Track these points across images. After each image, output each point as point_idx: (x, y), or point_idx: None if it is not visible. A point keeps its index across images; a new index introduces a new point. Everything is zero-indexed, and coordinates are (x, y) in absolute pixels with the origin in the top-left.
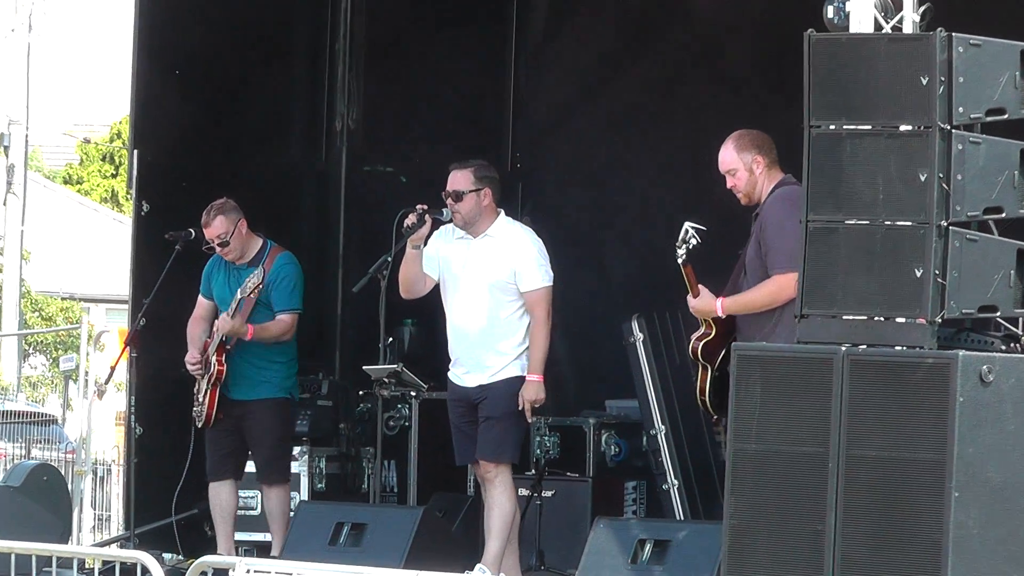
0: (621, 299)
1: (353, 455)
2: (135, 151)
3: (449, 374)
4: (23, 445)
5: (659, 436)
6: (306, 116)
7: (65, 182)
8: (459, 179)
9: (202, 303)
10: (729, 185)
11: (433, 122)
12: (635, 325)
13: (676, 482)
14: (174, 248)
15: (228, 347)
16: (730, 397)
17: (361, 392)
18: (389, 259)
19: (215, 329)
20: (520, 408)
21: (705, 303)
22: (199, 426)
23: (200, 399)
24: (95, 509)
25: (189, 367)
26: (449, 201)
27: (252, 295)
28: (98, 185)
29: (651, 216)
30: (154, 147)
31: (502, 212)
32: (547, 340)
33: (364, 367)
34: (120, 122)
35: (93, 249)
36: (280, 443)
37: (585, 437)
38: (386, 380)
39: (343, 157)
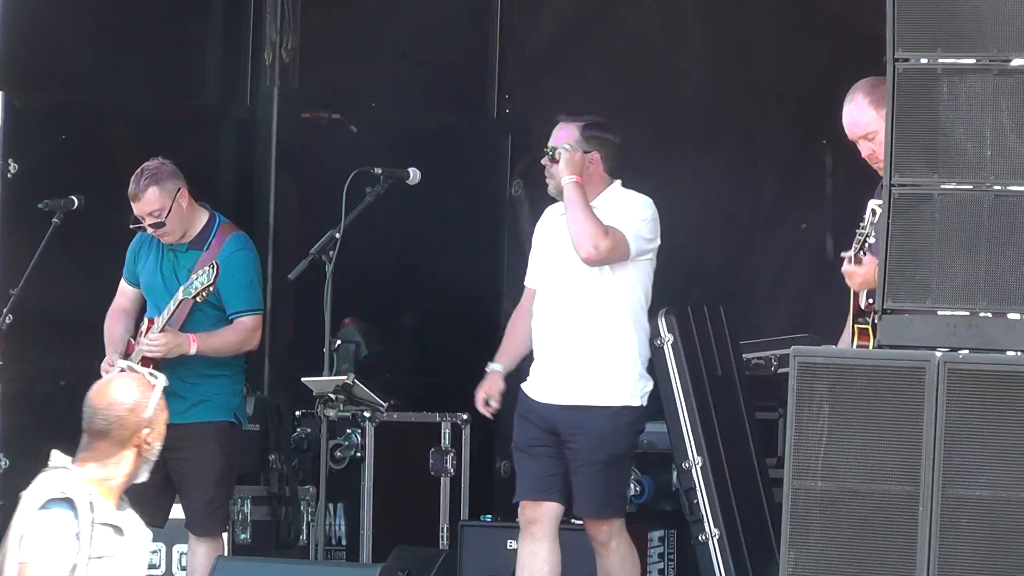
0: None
1: (287, 496)
2: (0, 93)
3: (523, 385)
4: None
5: (694, 470)
6: (224, 46)
7: None
8: (561, 133)
9: (125, 291)
10: (865, 154)
11: (395, 54)
12: (663, 323)
13: (716, 532)
14: (51, 221)
15: (159, 359)
16: (788, 420)
17: (298, 413)
18: (337, 236)
19: (140, 342)
20: (625, 452)
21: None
22: None
23: None
24: None
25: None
26: (546, 161)
27: (199, 298)
28: None
29: (682, 180)
30: (25, 87)
31: (617, 183)
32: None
33: (303, 379)
34: None
35: None
36: (220, 481)
37: None
38: (332, 396)
39: (274, 100)
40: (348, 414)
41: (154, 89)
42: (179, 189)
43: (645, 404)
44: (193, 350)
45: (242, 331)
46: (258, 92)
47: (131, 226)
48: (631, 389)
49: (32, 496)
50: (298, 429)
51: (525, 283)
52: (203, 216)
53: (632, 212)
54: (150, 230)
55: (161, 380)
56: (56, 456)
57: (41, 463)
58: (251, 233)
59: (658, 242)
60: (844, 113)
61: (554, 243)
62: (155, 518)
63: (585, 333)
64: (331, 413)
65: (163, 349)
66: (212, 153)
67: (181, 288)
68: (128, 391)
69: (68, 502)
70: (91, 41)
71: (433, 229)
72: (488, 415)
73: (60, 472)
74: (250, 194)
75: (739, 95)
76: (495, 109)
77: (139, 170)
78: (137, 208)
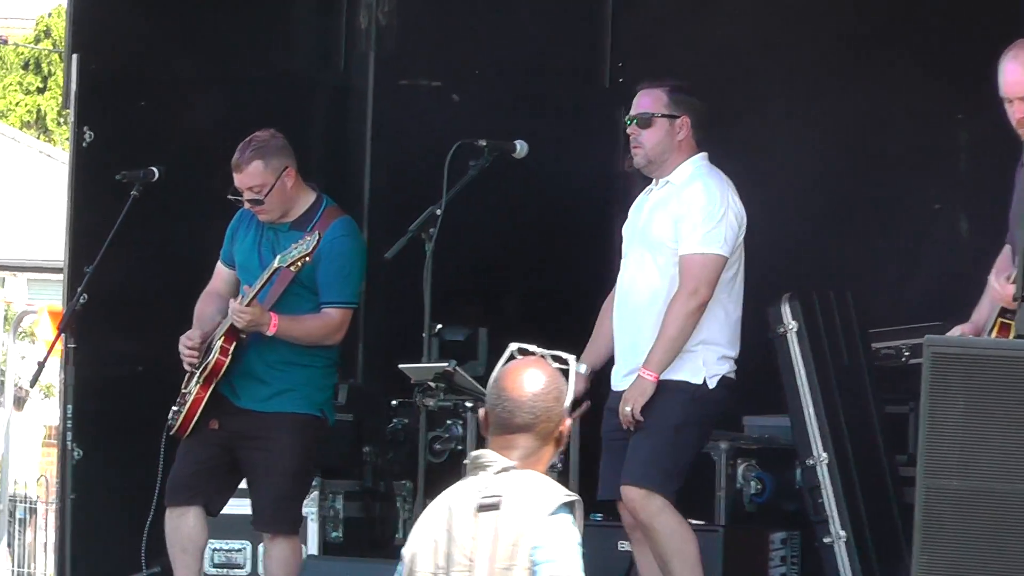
0: (766, 272)
1: (382, 492)
2: (74, 56)
3: (612, 375)
4: None
5: (819, 468)
6: (317, 9)
7: None
8: (646, 99)
9: (221, 273)
10: (1018, 116)
11: (500, 18)
12: (787, 309)
13: (843, 533)
14: (129, 194)
15: (243, 336)
16: (920, 414)
17: (395, 402)
18: (438, 212)
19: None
20: (678, 424)
21: None
22: (171, 433)
23: (184, 397)
24: (14, 565)
25: (183, 353)
26: (631, 130)
27: (293, 267)
28: (18, 103)
29: (805, 156)
30: (101, 50)
31: (701, 155)
32: (682, 324)
33: (400, 366)
34: (50, 15)
35: (11, 195)
36: (296, 478)
37: (714, 469)
38: (432, 385)
39: (370, 66)
40: (448, 404)
41: (241, 54)
42: (286, 167)
43: (712, 387)
44: (270, 331)
45: (327, 322)
46: (353, 58)
47: (229, 196)
48: (691, 366)
49: (521, 501)
50: (394, 420)
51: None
52: (309, 197)
53: (699, 200)
54: (247, 205)
55: (572, 361)
56: (491, 455)
57: (116, 454)
58: (345, 209)
59: (743, 231)
60: (1006, 71)
61: (632, 222)
62: (211, 505)
63: (646, 314)
64: (430, 402)
65: (243, 320)
66: (303, 123)
67: (277, 257)
68: (547, 380)
69: (568, 507)
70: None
71: (540, 205)
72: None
73: (523, 474)
74: (343, 167)
75: (863, 65)
76: (607, 78)
77: (247, 140)
78: (238, 180)
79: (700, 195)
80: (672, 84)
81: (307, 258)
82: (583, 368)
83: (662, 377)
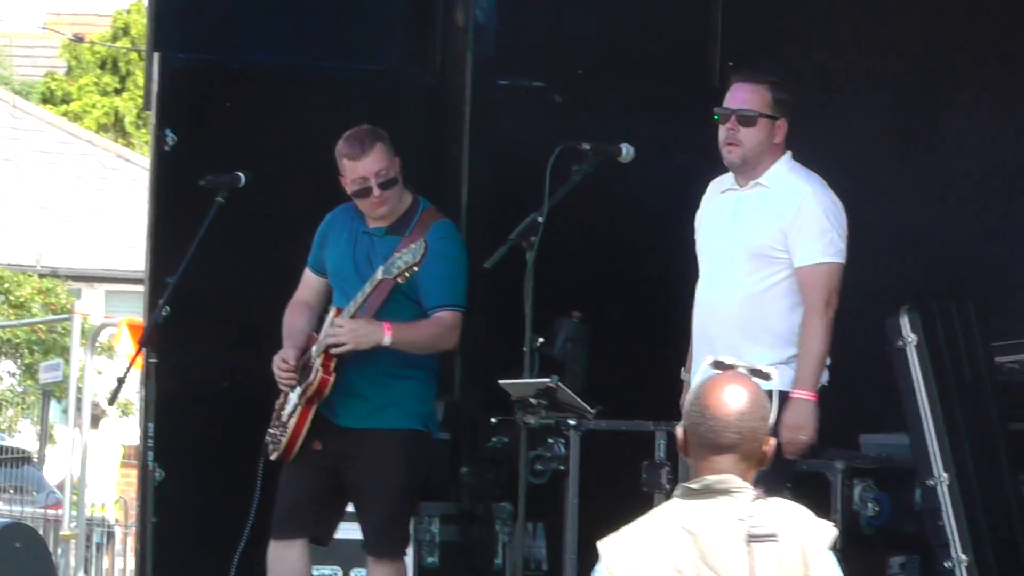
0: (884, 282)
1: (481, 515)
2: (156, 54)
3: (685, 377)
4: None
5: (940, 488)
6: (412, 5)
7: (44, 100)
8: (748, 95)
9: (309, 281)
10: None
11: (605, 16)
12: (905, 322)
13: (964, 558)
14: (215, 200)
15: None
16: None
17: (494, 420)
18: (540, 220)
19: (325, 333)
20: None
21: None
22: (272, 458)
23: (283, 419)
24: None
25: (278, 373)
26: (728, 126)
27: (399, 278)
28: (94, 105)
29: (915, 154)
30: (185, 48)
31: (788, 154)
32: (825, 340)
33: (500, 382)
34: (128, 11)
35: (87, 201)
36: (402, 498)
37: (829, 489)
38: (533, 401)
39: (467, 66)
40: (550, 421)
41: (333, 53)
42: (396, 157)
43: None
44: (387, 340)
45: (441, 326)
46: (450, 57)
47: (351, 193)
48: (786, 378)
49: (797, 533)
50: (493, 439)
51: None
52: (407, 198)
53: (813, 208)
54: (375, 193)
55: (773, 374)
56: (738, 480)
57: (200, 475)
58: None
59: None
60: None
61: (714, 224)
62: (321, 534)
63: (738, 321)
64: (531, 420)
65: (352, 336)
66: (397, 125)
67: (380, 268)
68: (752, 397)
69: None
70: None
71: (647, 212)
72: None
73: (780, 502)
74: (439, 172)
75: (984, 54)
76: (717, 78)
77: (353, 131)
78: (361, 168)
79: (813, 203)
80: (773, 81)
81: (415, 267)
82: (689, 376)
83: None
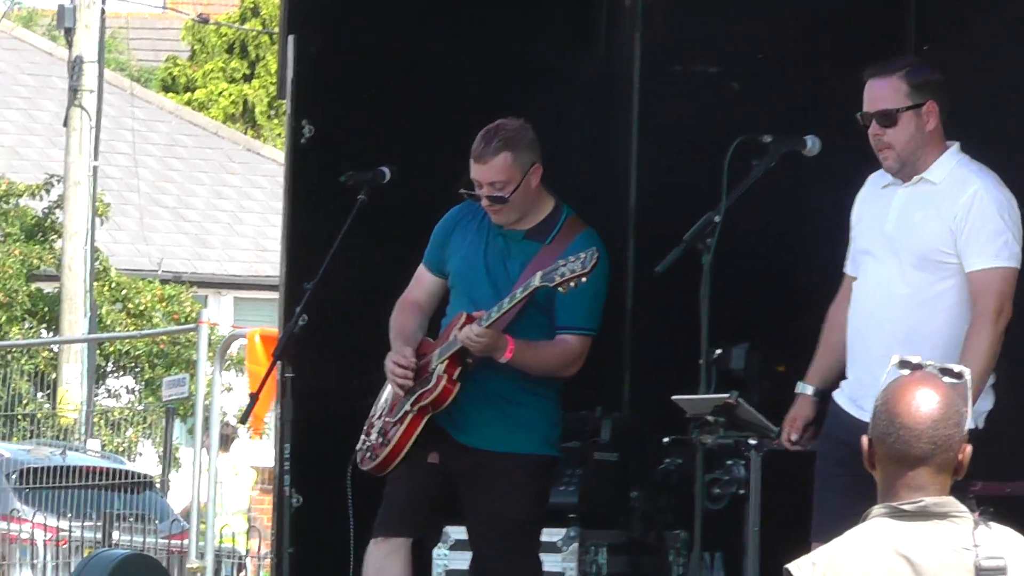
0: None
1: (652, 543)
2: (291, 37)
3: (835, 394)
4: (99, 524)
5: None
6: None
7: (166, 88)
8: (881, 91)
9: (423, 280)
10: None
11: None
12: None
13: None
14: (356, 198)
15: (470, 360)
16: None
17: (666, 440)
18: (717, 219)
19: (454, 334)
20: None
21: None
22: (366, 468)
23: (384, 426)
24: None
25: (395, 370)
26: (873, 131)
27: (562, 288)
28: (221, 93)
29: None
30: (323, 31)
31: (955, 146)
32: (991, 355)
33: (674, 398)
34: None
35: (213, 200)
36: (534, 531)
37: None
38: (710, 419)
39: (635, 49)
40: (730, 441)
41: (485, 36)
42: (534, 164)
43: (981, 427)
44: (505, 358)
45: (566, 352)
46: (616, 40)
47: (461, 190)
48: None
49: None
50: (666, 460)
51: (844, 270)
52: (548, 203)
53: (986, 207)
54: (485, 203)
55: (967, 374)
56: (956, 503)
57: (341, 501)
58: (607, 215)
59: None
60: None
61: (876, 223)
62: (429, 538)
63: (910, 333)
64: (708, 440)
65: (480, 345)
66: (557, 115)
67: (539, 274)
68: (946, 402)
69: None
70: None
71: (834, 209)
72: (790, 449)
73: (1000, 528)
74: (605, 166)
75: None
76: (912, 50)
77: (493, 127)
78: (478, 172)
79: (985, 201)
80: (909, 65)
81: (583, 279)
82: (809, 390)
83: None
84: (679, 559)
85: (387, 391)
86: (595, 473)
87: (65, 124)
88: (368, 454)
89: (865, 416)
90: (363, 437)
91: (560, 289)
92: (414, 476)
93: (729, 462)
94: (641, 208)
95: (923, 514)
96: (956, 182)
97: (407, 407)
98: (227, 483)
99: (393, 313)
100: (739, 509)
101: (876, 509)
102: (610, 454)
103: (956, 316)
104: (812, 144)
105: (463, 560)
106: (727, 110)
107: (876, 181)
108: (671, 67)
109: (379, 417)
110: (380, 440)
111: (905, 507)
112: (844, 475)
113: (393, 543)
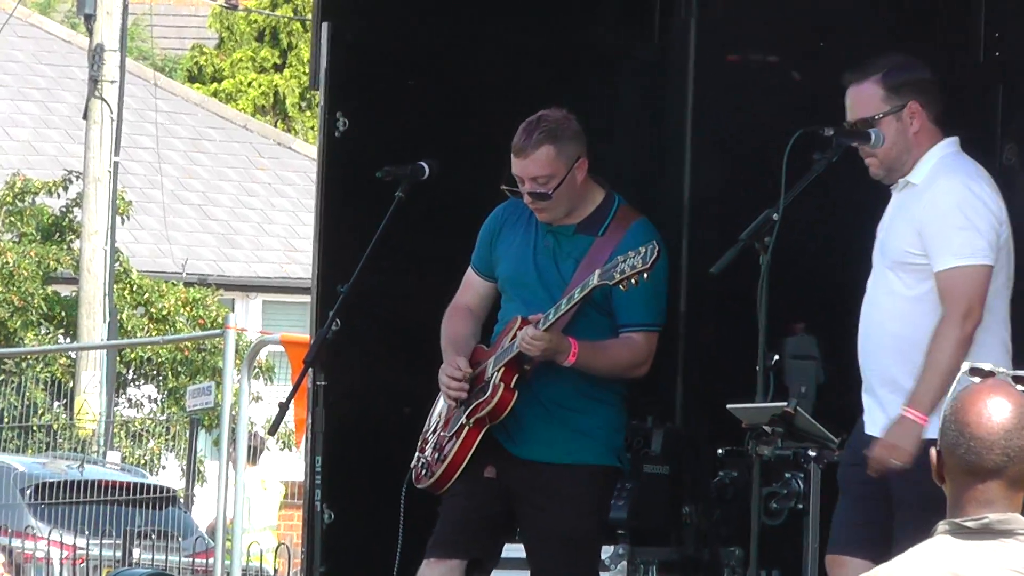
0: None
1: (707, 560)
2: (324, 24)
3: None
4: (119, 541)
5: None
6: None
7: (191, 79)
8: (857, 99)
9: (472, 283)
10: None
11: None
12: None
13: None
14: (394, 195)
15: (528, 367)
16: None
17: (721, 451)
18: (775, 217)
19: (512, 337)
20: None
21: None
22: (420, 486)
23: (440, 441)
24: None
25: (448, 382)
26: (860, 145)
27: (622, 285)
28: (250, 84)
29: None
30: (360, 17)
31: (946, 142)
32: (956, 357)
33: (730, 407)
34: None
35: (242, 197)
36: (590, 545)
37: None
38: (767, 429)
39: (690, 36)
40: (788, 453)
41: (532, 22)
42: (579, 158)
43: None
44: (569, 362)
45: (634, 350)
46: (670, 25)
47: (503, 186)
48: None
49: None
50: (721, 473)
51: None
52: (598, 194)
53: (947, 204)
54: (528, 199)
55: None
56: (1019, 520)
57: (376, 518)
58: (659, 211)
59: (1006, 228)
60: None
61: (880, 230)
62: (487, 559)
63: (890, 343)
64: (766, 451)
65: (539, 349)
66: (608, 104)
67: (597, 272)
68: (1017, 409)
69: None
70: None
71: None
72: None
73: None
74: (657, 159)
75: None
76: (981, 50)
77: (534, 118)
78: (520, 167)
79: (943, 195)
80: (883, 67)
81: (645, 274)
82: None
83: (928, 436)
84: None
85: (441, 403)
86: (645, 486)
87: (84, 117)
88: (424, 471)
89: (867, 425)
90: (417, 454)
91: (621, 287)
92: (470, 493)
93: (787, 475)
94: (695, 205)
95: (986, 532)
96: (929, 181)
97: (463, 420)
98: (255, 498)
99: (443, 321)
100: (797, 524)
101: (941, 525)
102: (661, 467)
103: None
104: (876, 138)
105: None
106: (786, 101)
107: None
108: (728, 56)
109: (433, 432)
110: (436, 456)
111: (968, 524)
112: (869, 487)
113: (447, 565)
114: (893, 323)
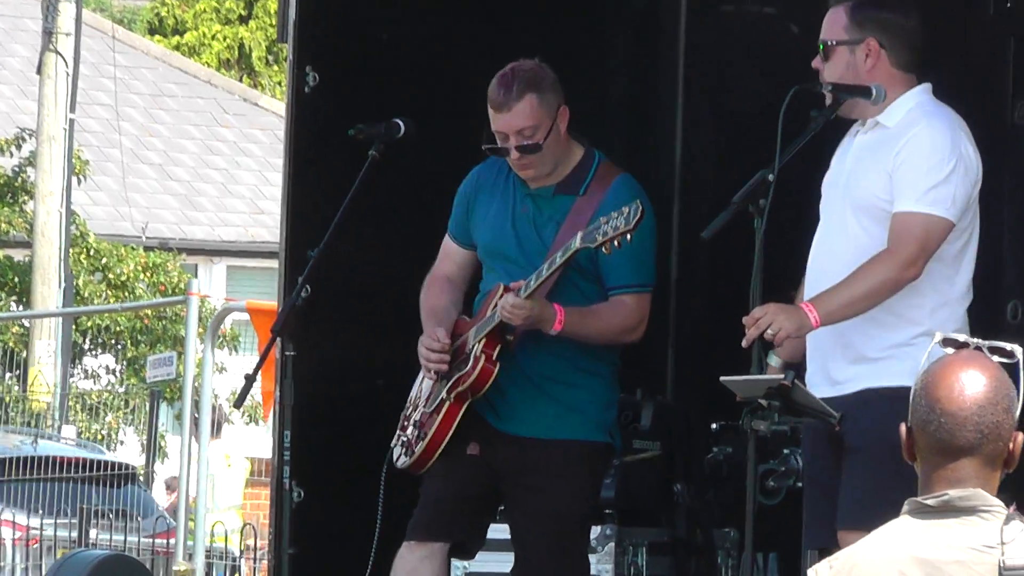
0: None
1: (699, 543)
2: None
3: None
4: (75, 521)
5: None
6: None
7: (151, 31)
8: (827, 22)
9: (450, 252)
10: None
11: None
12: None
13: None
14: (368, 154)
15: (511, 337)
16: None
17: (715, 426)
18: (771, 178)
19: (494, 307)
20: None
21: None
22: (400, 465)
23: (419, 418)
24: None
25: (427, 355)
26: (814, 63)
27: (605, 248)
28: (213, 37)
29: None
30: None
31: (923, 87)
32: (879, 294)
33: (723, 379)
34: None
35: (205, 156)
36: (584, 526)
37: None
38: (763, 403)
39: None
40: (785, 428)
41: None
42: (560, 106)
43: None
44: (555, 330)
45: (625, 313)
46: None
47: (484, 146)
48: (911, 366)
49: None
50: (714, 449)
51: None
52: (577, 151)
53: (922, 148)
54: (513, 156)
55: (1017, 350)
56: (986, 497)
57: (347, 496)
58: (649, 173)
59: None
60: None
61: (833, 174)
62: (470, 542)
63: None
64: (762, 427)
65: (522, 317)
66: (596, 59)
67: (579, 235)
68: (993, 384)
69: None
70: None
71: None
72: None
73: None
74: (647, 116)
75: None
76: (991, 2)
77: (507, 70)
78: (502, 121)
79: (924, 140)
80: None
81: (628, 236)
82: (776, 361)
83: (870, 385)
84: (728, 560)
85: (422, 380)
86: (634, 464)
87: (38, 71)
88: (404, 451)
89: (819, 392)
90: (398, 432)
91: (604, 249)
92: (452, 472)
93: (785, 451)
94: (686, 165)
95: (948, 510)
96: (906, 124)
97: (443, 395)
98: (219, 475)
99: (422, 292)
100: (796, 504)
101: (905, 505)
102: (651, 442)
103: (922, 280)
104: (877, 93)
105: (488, 563)
106: (784, 55)
107: (852, 129)
108: (721, 6)
109: (415, 409)
110: (417, 434)
111: (928, 502)
112: (818, 463)
113: (428, 548)
114: (850, 271)
